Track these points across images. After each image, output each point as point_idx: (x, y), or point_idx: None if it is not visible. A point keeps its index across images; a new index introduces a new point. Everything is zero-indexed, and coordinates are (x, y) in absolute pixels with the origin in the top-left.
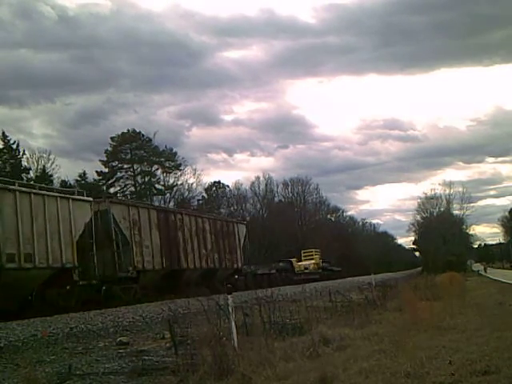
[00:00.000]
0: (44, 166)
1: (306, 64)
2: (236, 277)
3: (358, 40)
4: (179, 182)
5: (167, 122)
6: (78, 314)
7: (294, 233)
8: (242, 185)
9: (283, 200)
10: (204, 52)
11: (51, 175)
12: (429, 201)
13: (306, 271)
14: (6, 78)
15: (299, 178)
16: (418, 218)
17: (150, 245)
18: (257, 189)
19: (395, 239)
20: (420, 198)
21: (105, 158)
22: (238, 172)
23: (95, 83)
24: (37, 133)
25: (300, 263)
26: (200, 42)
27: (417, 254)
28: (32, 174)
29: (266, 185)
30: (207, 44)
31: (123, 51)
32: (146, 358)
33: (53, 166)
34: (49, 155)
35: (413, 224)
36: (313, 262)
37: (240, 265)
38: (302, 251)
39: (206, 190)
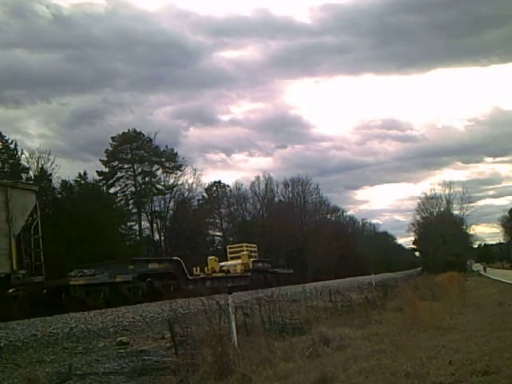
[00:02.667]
0: (43, 165)
1: (302, 64)
2: (11, 291)
3: (355, 40)
4: (179, 182)
5: (164, 122)
6: (78, 314)
7: (293, 233)
8: (242, 185)
9: (283, 200)
10: (200, 52)
11: (50, 175)
12: (429, 201)
13: (219, 275)
14: (2, 78)
15: (299, 178)
16: (418, 218)
17: None
18: (257, 189)
19: (395, 239)
20: (420, 198)
21: (104, 158)
22: (237, 172)
23: (91, 83)
24: (33, 133)
25: (223, 263)
26: (196, 42)
27: (417, 253)
28: (31, 174)
29: (266, 185)
30: (203, 44)
31: (119, 51)
32: (146, 357)
33: (52, 166)
34: (48, 155)
35: (413, 224)
36: (239, 262)
37: (9, 269)
38: (228, 247)
39: (207, 189)
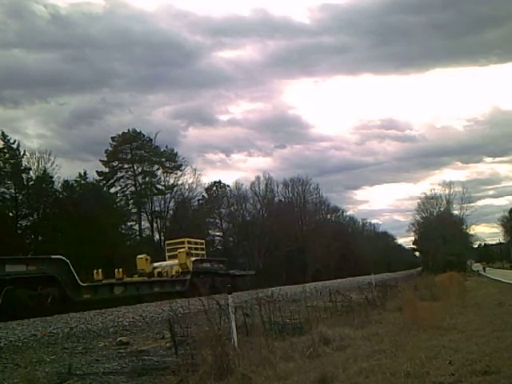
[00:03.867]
0: (45, 166)
1: (301, 64)
2: None
3: (353, 40)
4: (179, 182)
5: (163, 122)
6: (78, 314)
7: (294, 233)
8: (242, 185)
9: (283, 200)
10: (198, 52)
11: (52, 176)
12: (428, 201)
13: (135, 280)
14: (0, 78)
15: (299, 178)
16: (418, 218)
17: None
18: (257, 189)
19: (395, 239)
20: (420, 198)
21: (104, 158)
22: (236, 172)
23: (89, 83)
24: (31, 133)
25: (157, 264)
26: (194, 42)
27: (417, 253)
28: (32, 174)
29: (266, 185)
30: (201, 44)
31: (117, 51)
32: (146, 357)
33: (53, 167)
34: (49, 155)
35: (413, 224)
36: (176, 262)
37: None
38: (166, 243)
39: (207, 189)
